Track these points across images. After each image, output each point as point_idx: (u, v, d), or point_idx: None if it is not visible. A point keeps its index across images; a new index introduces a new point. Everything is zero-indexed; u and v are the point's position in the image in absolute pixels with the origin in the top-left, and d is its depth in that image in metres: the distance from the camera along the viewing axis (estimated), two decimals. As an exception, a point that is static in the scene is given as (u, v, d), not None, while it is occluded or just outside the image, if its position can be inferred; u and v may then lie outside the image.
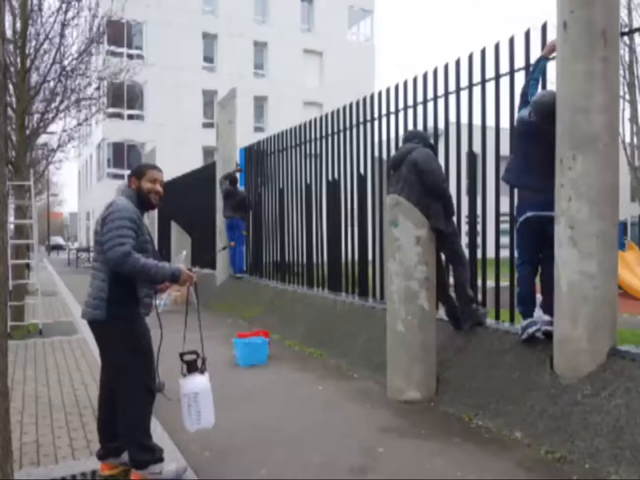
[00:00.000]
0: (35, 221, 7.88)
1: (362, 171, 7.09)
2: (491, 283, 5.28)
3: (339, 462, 3.38)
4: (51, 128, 10.00)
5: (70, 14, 7.98)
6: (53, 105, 8.46)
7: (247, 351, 5.85)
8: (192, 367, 3.17)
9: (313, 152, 8.17)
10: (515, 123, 4.50)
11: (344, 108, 7.38)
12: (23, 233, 8.34)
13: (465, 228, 5.67)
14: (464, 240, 5.33)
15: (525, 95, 4.44)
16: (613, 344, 3.69)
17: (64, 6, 7.85)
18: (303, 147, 8.37)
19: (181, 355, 3.19)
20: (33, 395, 4.73)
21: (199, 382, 3.14)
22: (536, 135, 4.15)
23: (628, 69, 16.79)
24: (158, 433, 3.85)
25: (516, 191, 4.54)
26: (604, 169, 3.65)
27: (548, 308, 4.15)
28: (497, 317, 5.11)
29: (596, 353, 3.65)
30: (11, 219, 8.08)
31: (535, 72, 4.46)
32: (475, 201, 5.49)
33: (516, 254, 4.53)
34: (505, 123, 5.00)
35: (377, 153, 6.85)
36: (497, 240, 5.14)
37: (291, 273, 8.77)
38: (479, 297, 5.26)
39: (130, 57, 27.60)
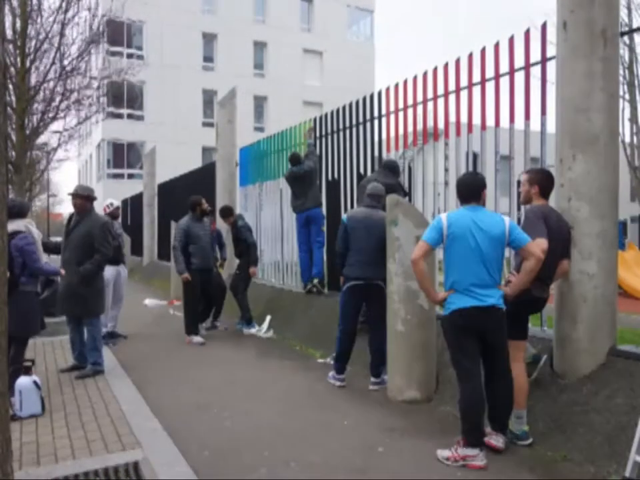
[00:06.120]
0: None
1: (362, 170, 7.09)
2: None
3: (338, 461, 3.38)
4: (51, 127, 10.01)
5: (70, 13, 7.99)
6: (52, 105, 8.46)
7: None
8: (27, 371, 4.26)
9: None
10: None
11: (344, 107, 7.38)
12: None
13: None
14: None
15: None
16: (613, 344, 3.69)
17: (64, 5, 7.85)
18: (302, 146, 8.35)
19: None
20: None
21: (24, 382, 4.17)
22: (371, 228, 4.88)
23: (628, 68, 16.78)
24: (158, 432, 3.86)
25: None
26: (604, 168, 3.65)
27: (374, 370, 4.93)
28: None
29: (596, 353, 3.65)
30: None
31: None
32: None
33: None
34: (504, 123, 5.01)
35: (377, 153, 6.85)
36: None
37: (290, 273, 8.75)
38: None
39: (130, 56, 27.60)
